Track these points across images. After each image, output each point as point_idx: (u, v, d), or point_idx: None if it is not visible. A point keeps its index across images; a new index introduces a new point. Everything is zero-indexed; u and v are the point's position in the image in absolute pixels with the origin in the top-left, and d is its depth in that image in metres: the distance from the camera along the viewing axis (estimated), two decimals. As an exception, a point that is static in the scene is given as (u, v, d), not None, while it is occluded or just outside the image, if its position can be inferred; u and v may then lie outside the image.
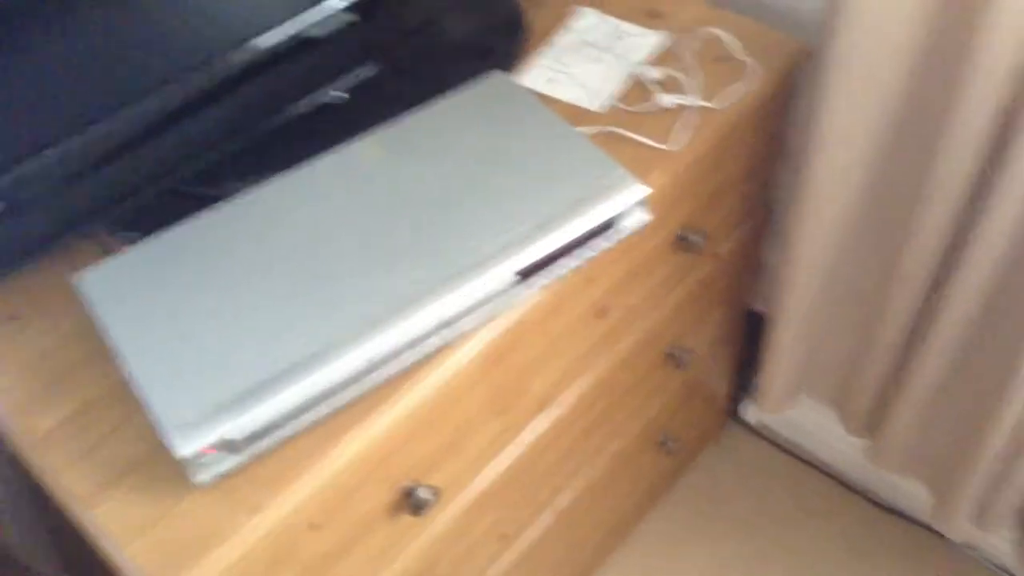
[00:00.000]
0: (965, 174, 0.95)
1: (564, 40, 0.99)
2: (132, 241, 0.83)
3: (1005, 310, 1.04)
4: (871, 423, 1.35)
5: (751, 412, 1.54)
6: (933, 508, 1.36)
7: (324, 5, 0.79)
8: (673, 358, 1.18)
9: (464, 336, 0.76)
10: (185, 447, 0.64)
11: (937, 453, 1.29)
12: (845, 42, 0.90)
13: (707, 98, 0.92)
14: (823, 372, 1.35)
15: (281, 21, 0.76)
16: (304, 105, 0.84)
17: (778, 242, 1.32)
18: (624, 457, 1.24)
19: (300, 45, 0.79)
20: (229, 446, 0.66)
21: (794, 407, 1.44)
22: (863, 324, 1.22)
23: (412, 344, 0.72)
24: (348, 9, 0.81)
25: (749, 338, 1.41)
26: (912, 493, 1.41)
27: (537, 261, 0.75)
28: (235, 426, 0.65)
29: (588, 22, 1.01)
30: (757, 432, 1.60)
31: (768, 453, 1.59)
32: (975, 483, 1.21)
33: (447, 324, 0.73)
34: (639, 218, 0.80)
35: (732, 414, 1.59)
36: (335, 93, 0.87)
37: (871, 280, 1.16)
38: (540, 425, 0.98)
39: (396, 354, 0.71)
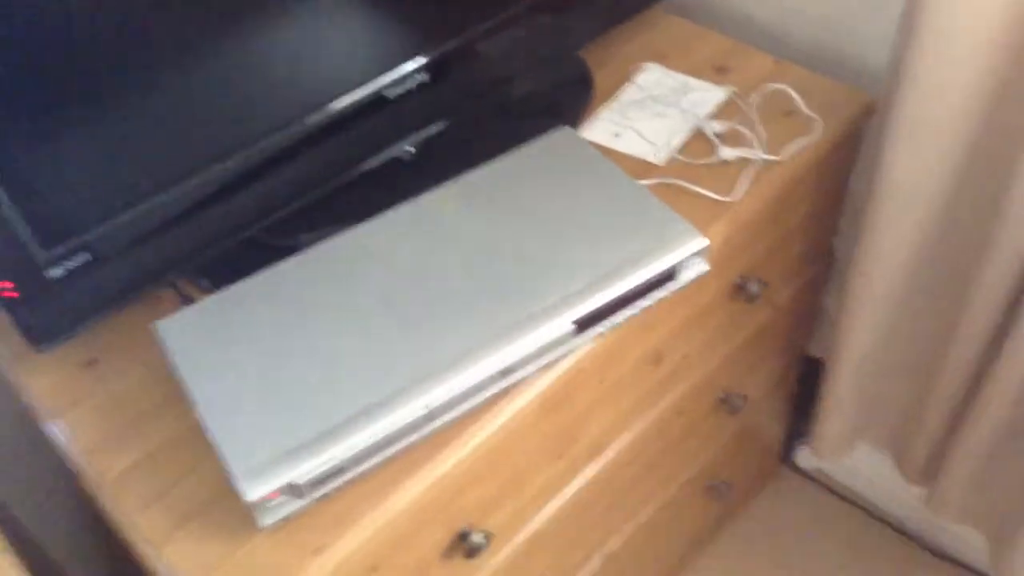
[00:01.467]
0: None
1: (630, 95, 1.00)
2: (210, 290, 0.86)
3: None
4: (929, 471, 1.33)
5: (806, 458, 1.52)
6: (991, 557, 1.33)
7: (399, 68, 0.81)
8: (727, 404, 1.18)
9: (523, 383, 0.78)
10: (252, 492, 0.66)
11: (996, 502, 1.26)
12: (908, 98, 0.89)
13: (770, 151, 0.93)
14: (881, 419, 1.34)
15: (359, 84, 0.79)
16: (377, 160, 0.86)
17: (837, 289, 1.31)
18: (675, 502, 1.24)
19: (375, 103, 0.81)
20: (294, 491, 0.68)
21: (850, 453, 1.42)
22: (923, 372, 1.20)
23: (472, 393, 0.73)
24: (421, 70, 0.83)
25: (805, 383, 1.40)
26: (968, 541, 1.39)
27: (596, 311, 0.76)
28: (301, 472, 0.67)
29: (654, 77, 1.02)
30: (812, 477, 1.58)
31: (822, 499, 1.57)
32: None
33: (507, 373, 0.74)
34: (698, 269, 0.81)
35: (786, 459, 1.58)
36: (407, 149, 0.89)
37: (932, 330, 1.15)
38: (593, 470, 0.99)
39: (457, 402, 0.73)
